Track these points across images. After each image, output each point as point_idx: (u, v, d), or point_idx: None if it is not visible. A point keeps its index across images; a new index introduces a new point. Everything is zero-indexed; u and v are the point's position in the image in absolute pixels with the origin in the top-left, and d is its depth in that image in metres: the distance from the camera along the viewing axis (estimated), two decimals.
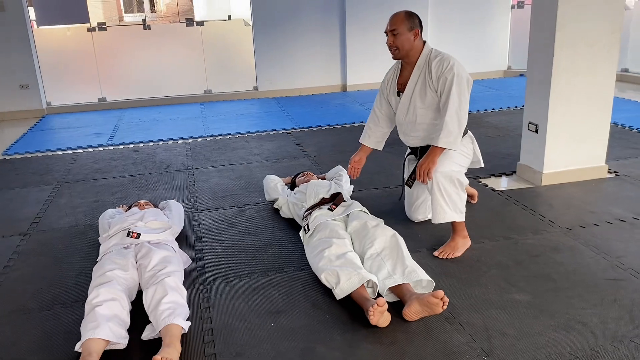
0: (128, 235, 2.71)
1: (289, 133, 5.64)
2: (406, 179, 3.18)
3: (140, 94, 7.38)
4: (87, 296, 2.56)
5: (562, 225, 3.20)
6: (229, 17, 7.56)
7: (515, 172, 4.13)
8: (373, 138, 3.32)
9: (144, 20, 7.22)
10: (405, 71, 3.06)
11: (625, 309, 2.36)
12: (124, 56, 7.30)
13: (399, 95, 3.09)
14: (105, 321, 2.17)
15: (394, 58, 3.04)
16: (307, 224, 2.93)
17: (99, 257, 2.68)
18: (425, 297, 2.25)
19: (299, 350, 2.16)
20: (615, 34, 3.65)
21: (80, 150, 5.30)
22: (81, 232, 3.40)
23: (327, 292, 2.54)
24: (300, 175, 3.65)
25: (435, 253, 2.90)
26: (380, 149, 3.36)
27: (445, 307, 2.23)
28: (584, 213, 3.36)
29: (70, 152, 5.26)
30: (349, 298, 2.44)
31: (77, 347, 2.16)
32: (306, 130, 5.74)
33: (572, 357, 2.06)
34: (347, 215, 2.95)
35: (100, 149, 5.33)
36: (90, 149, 5.32)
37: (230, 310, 2.47)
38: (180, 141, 5.49)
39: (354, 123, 5.93)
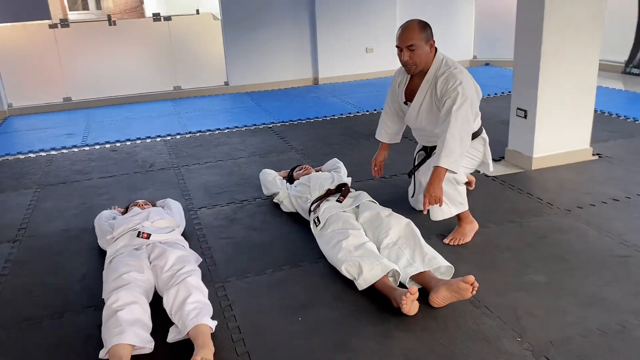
0: (138, 235, 2.61)
1: (270, 127, 5.57)
2: (413, 168, 3.17)
3: (108, 93, 7.14)
4: (99, 301, 2.49)
5: (561, 207, 3.29)
6: (197, 12, 7.38)
7: (503, 157, 4.20)
8: (388, 134, 3.25)
9: (109, 16, 6.96)
10: (415, 79, 2.93)
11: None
12: (89, 54, 7.03)
13: (406, 104, 3.02)
14: (129, 325, 2.09)
15: (409, 73, 2.89)
16: (317, 217, 2.90)
17: (107, 260, 2.57)
18: (455, 283, 2.26)
19: (332, 344, 2.14)
20: (598, 20, 3.76)
21: (53, 152, 5.08)
22: (75, 236, 3.26)
23: (348, 283, 2.52)
24: (298, 169, 3.61)
25: (445, 240, 2.92)
26: (398, 141, 3.31)
27: (474, 292, 2.25)
28: (578, 194, 3.46)
29: (43, 154, 5.04)
30: (370, 288, 2.43)
31: (103, 355, 2.07)
32: (287, 124, 5.69)
33: (601, 332, 2.12)
34: (357, 206, 2.93)
35: (75, 149, 5.13)
36: (64, 150, 5.11)
37: (253, 307, 2.42)
38: (158, 139, 5.34)
39: (334, 116, 5.91)
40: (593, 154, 4.14)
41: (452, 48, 8.41)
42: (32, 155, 5.02)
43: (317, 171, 3.59)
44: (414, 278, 2.45)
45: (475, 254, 2.78)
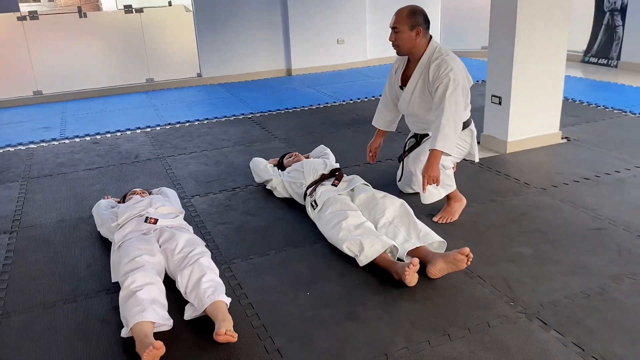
0: (146, 221, 2.69)
1: (250, 118, 5.67)
2: (403, 154, 3.35)
3: (80, 86, 7.07)
4: (109, 286, 2.59)
5: (537, 186, 3.52)
6: (170, 3, 7.37)
7: (479, 142, 4.42)
8: (384, 121, 3.43)
9: (79, 7, 6.88)
10: (410, 65, 3.11)
11: (615, 252, 2.68)
12: (60, 46, 6.94)
13: (401, 88, 3.20)
14: (149, 304, 2.19)
15: (397, 54, 3.09)
16: (314, 200, 3.04)
17: (115, 246, 2.65)
18: (451, 255, 2.44)
19: (342, 314, 2.29)
20: (566, 10, 4.01)
21: (33, 146, 5.05)
22: (73, 225, 3.30)
23: (349, 260, 2.68)
24: (288, 156, 3.73)
25: (435, 219, 3.11)
26: (394, 130, 3.48)
27: (469, 262, 2.44)
28: (552, 175, 3.71)
29: (22, 147, 5.00)
30: (370, 264, 2.59)
31: (125, 334, 2.16)
32: (266, 114, 5.79)
33: (584, 295, 2.34)
34: (352, 190, 3.09)
35: (55, 142, 5.11)
36: (44, 144, 5.08)
37: (262, 285, 2.55)
38: (139, 131, 5.37)
39: (312, 106, 6.04)
40: (562, 138, 4.40)
41: None
42: (10, 149, 4.98)
43: (306, 158, 3.73)
44: (411, 253, 2.62)
45: (464, 231, 2.97)
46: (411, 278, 2.39)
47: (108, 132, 5.34)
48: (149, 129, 5.40)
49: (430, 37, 3.04)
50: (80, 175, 4.18)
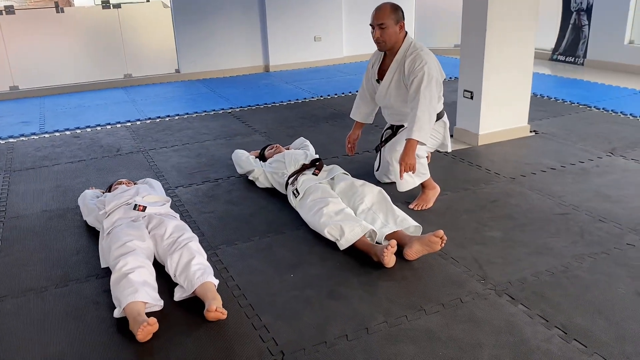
0: (135, 208, 2.79)
1: (230, 112, 5.76)
2: (379, 144, 3.50)
3: (57, 81, 7.06)
4: (99, 271, 2.69)
5: (507, 175, 3.71)
6: None
7: (452, 135, 4.59)
8: (362, 114, 3.57)
9: (56, 3, 6.87)
10: (387, 59, 3.27)
11: (578, 234, 2.87)
12: (37, 41, 6.92)
13: (378, 82, 3.35)
14: (141, 286, 2.29)
15: (380, 50, 3.24)
16: (296, 189, 3.17)
17: (104, 232, 2.73)
18: (426, 237, 2.60)
19: (325, 293, 2.43)
20: (534, 8, 4.21)
21: (12, 140, 5.06)
22: (59, 215, 3.37)
23: (330, 245, 2.81)
24: (269, 148, 3.85)
25: (411, 206, 3.26)
26: (371, 122, 3.63)
27: (443, 244, 2.60)
28: (521, 165, 3.90)
29: (1, 141, 5.01)
30: (350, 248, 2.73)
31: (118, 314, 2.26)
32: (245, 109, 5.89)
33: (549, 273, 2.52)
34: (332, 178, 3.22)
35: (35, 137, 5.13)
36: (23, 138, 5.10)
37: (247, 269, 2.67)
38: (119, 125, 5.42)
39: (290, 101, 6.17)
40: (530, 131, 4.61)
41: None
42: None
43: (286, 150, 3.85)
44: (388, 237, 2.77)
45: (438, 217, 3.14)
46: (389, 259, 2.54)
47: (88, 127, 5.38)
48: (129, 124, 5.46)
49: (406, 32, 3.19)
50: (63, 167, 4.23)
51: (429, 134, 3.04)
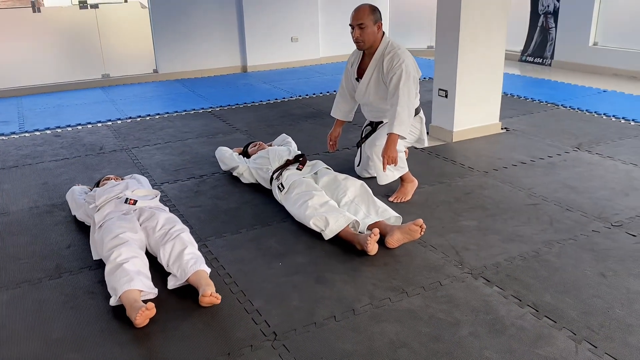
0: (126, 202, 2.88)
1: (210, 112, 5.85)
2: (360, 141, 3.65)
3: (34, 81, 7.04)
4: (91, 263, 2.77)
5: (480, 169, 3.90)
6: (126, 0, 7.41)
7: (428, 132, 4.77)
8: (342, 112, 3.72)
9: (33, 2, 6.84)
10: (366, 58, 3.42)
11: (547, 223, 3.06)
12: (13, 41, 6.89)
13: (357, 80, 3.50)
14: (135, 274, 2.39)
15: (359, 49, 3.39)
16: (281, 183, 3.29)
17: (96, 226, 2.81)
18: (406, 226, 2.75)
19: (312, 279, 2.56)
20: (504, 11, 4.41)
21: None
22: (46, 211, 3.43)
23: (315, 235, 2.95)
24: (252, 145, 3.97)
25: (390, 199, 3.42)
26: (351, 120, 3.78)
27: (423, 232, 2.75)
28: (493, 160, 4.10)
29: None
30: (335, 238, 2.87)
31: (114, 302, 2.35)
32: (225, 108, 5.99)
33: (521, 258, 2.70)
34: (315, 173, 3.36)
35: (15, 136, 5.14)
36: (4, 137, 5.10)
37: (237, 258, 2.78)
38: (100, 124, 5.46)
39: (269, 100, 6.28)
40: (502, 128, 4.82)
41: None
42: None
43: (269, 146, 3.97)
44: (371, 227, 2.91)
45: (416, 208, 3.30)
46: (372, 247, 2.68)
47: (69, 126, 5.41)
48: (110, 123, 5.50)
49: (383, 32, 3.35)
50: (47, 165, 4.27)
51: (408, 128, 3.20)
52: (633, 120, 4.99)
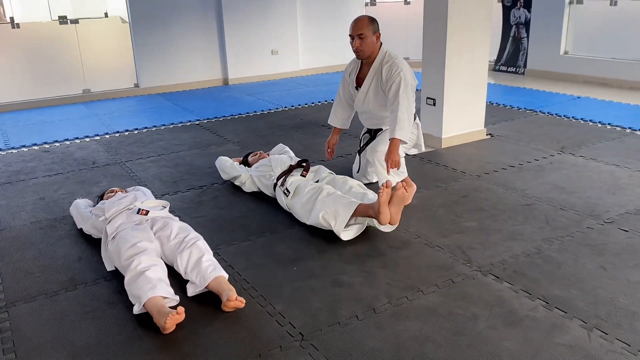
0: (138, 212, 2.90)
1: (198, 124, 5.88)
2: (360, 148, 3.77)
3: (14, 98, 6.95)
4: (106, 274, 2.78)
5: (472, 173, 4.04)
6: (106, 15, 7.40)
7: None
8: (340, 120, 3.83)
9: (11, 18, 6.77)
10: (364, 67, 3.57)
11: (543, 221, 3.21)
12: None
13: (357, 89, 3.62)
14: (158, 281, 2.43)
15: (358, 58, 3.53)
16: (286, 188, 3.36)
17: (108, 237, 2.83)
18: (392, 196, 2.84)
19: (329, 282, 2.63)
20: (487, 22, 4.60)
21: None
22: (49, 225, 3.42)
23: (326, 239, 3.03)
24: (252, 155, 4.03)
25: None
26: (347, 127, 3.89)
27: (407, 190, 2.91)
28: (483, 164, 4.25)
29: None
30: (348, 242, 2.96)
31: (137, 310, 2.38)
32: (213, 120, 6.03)
33: (525, 255, 2.83)
34: (317, 181, 3.44)
35: (2, 152, 5.07)
36: None
37: (251, 264, 2.84)
38: (88, 139, 5.43)
39: (256, 112, 6.35)
40: (487, 134, 5.00)
41: (346, 50, 9.12)
42: None
43: (268, 155, 4.04)
44: (359, 213, 2.97)
45: (417, 212, 3.41)
46: (385, 197, 2.79)
47: (56, 141, 5.37)
48: (98, 137, 5.48)
49: (381, 43, 3.48)
50: (41, 181, 4.24)
51: (409, 133, 3.34)
52: (609, 124, 5.23)
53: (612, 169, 4.03)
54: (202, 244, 2.70)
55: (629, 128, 5.07)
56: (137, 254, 2.56)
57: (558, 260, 2.76)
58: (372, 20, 3.40)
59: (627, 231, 3.05)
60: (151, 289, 2.38)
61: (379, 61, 3.45)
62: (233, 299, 2.35)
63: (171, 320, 2.22)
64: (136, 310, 2.39)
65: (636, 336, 2.16)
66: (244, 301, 2.40)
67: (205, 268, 2.54)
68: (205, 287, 2.52)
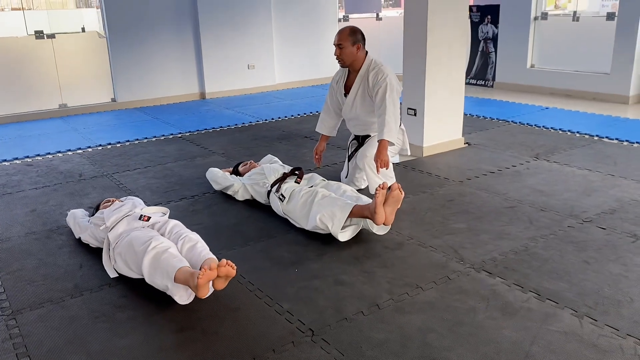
0: (140, 218, 2.96)
1: (181, 137, 5.93)
2: (349, 155, 3.91)
3: None
4: (110, 280, 2.82)
5: (455, 179, 4.23)
6: (83, 29, 7.39)
7: None
8: (327, 127, 4.00)
9: None
10: (351, 76, 3.77)
11: (527, 222, 3.39)
12: None
13: (345, 96, 3.79)
14: (181, 257, 2.55)
15: (341, 66, 3.75)
16: (281, 194, 3.46)
17: (111, 245, 2.88)
18: (388, 196, 2.97)
19: (331, 282, 2.74)
20: (463, 37, 4.83)
21: None
22: (45, 236, 3.43)
23: (324, 242, 3.14)
24: (242, 165, 4.11)
25: None
26: (334, 135, 4.04)
27: (401, 191, 3.01)
28: (464, 170, 4.44)
29: None
30: (345, 244, 3.08)
31: (171, 287, 2.48)
32: (195, 133, 6.08)
33: (513, 252, 3.00)
34: (311, 186, 3.55)
35: None
36: None
37: (253, 267, 2.92)
38: (70, 152, 5.42)
39: (237, 125, 6.43)
40: (464, 143, 5.21)
41: (320, 65, 9.32)
42: None
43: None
44: (354, 214, 3.09)
45: (406, 215, 3.55)
46: (382, 197, 2.90)
47: (38, 155, 5.34)
48: (81, 151, 5.48)
49: (367, 51, 3.67)
50: (29, 194, 4.23)
51: (396, 134, 3.54)
52: (578, 132, 5.52)
53: (585, 173, 4.27)
54: (195, 236, 2.80)
55: (597, 136, 5.36)
56: (153, 237, 2.65)
57: (545, 257, 2.94)
58: (354, 32, 3.61)
59: (604, 229, 3.25)
60: (179, 262, 2.49)
61: (365, 68, 3.65)
62: (223, 265, 2.40)
63: (204, 276, 2.29)
64: (170, 287, 2.47)
65: (623, 322, 2.33)
66: (235, 267, 2.45)
67: (200, 252, 2.67)
68: (200, 268, 2.53)
